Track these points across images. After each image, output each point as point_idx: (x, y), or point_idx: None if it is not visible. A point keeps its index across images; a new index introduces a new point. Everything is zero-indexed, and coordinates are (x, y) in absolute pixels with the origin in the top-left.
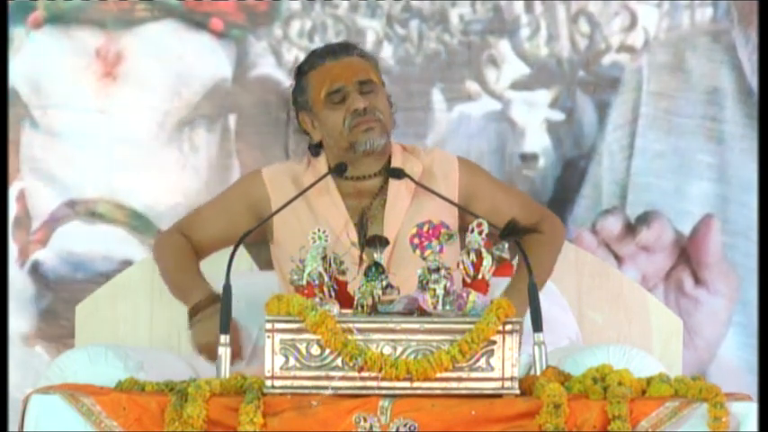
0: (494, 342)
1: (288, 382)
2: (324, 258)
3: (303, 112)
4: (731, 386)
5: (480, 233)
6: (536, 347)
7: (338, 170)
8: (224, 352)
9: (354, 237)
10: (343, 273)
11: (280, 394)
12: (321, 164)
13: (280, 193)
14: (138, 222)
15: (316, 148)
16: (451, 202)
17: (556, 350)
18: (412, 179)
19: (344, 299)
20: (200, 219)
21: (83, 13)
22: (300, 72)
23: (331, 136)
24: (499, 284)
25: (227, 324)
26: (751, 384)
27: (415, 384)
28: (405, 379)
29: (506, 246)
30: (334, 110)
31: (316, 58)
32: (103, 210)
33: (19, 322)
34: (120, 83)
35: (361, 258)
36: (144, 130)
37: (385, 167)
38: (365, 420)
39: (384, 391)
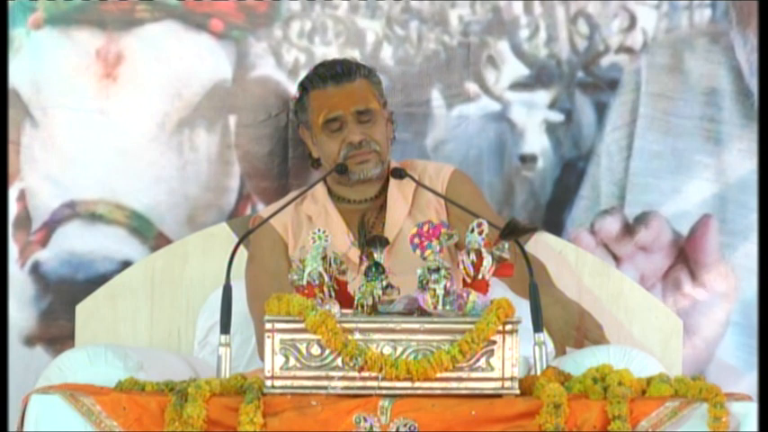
0: (494, 342)
1: (288, 382)
2: (324, 258)
3: (303, 128)
4: (729, 386)
5: (480, 233)
6: (536, 347)
7: (339, 170)
8: (224, 352)
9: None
10: (344, 273)
11: (280, 394)
12: (319, 191)
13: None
14: (138, 223)
15: (315, 162)
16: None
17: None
18: (412, 177)
19: (344, 299)
20: (263, 291)
21: (83, 13)
22: (303, 87)
23: (326, 161)
24: (499, 285)
25: (227, 324)
26: (749, 384)
27: (416, 384)
28: (405, 379)
29: (506, 246)
30: (331, 138)
31: (318, 80)
32: (104, 210)
33: (19, 322)
34: (120, 83)
35: (361, 259)
36: (144, 130)
37: (382, 190)
38: (365, 420)
39: (384, 391)
